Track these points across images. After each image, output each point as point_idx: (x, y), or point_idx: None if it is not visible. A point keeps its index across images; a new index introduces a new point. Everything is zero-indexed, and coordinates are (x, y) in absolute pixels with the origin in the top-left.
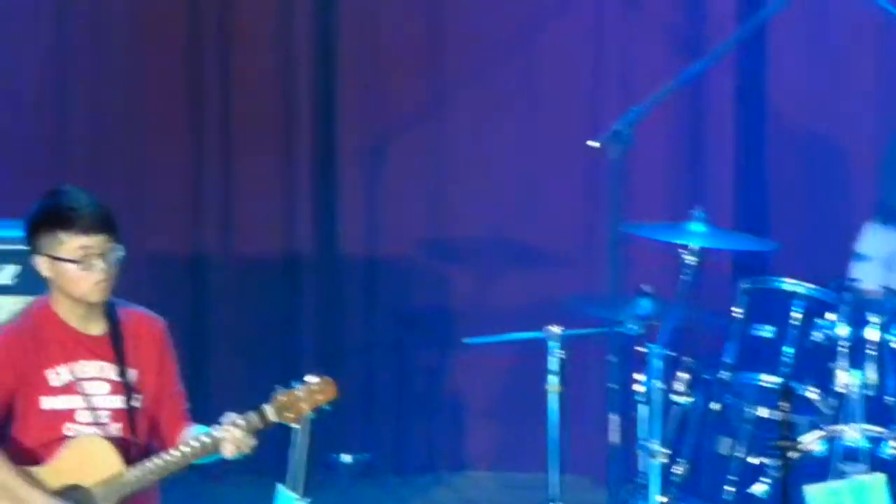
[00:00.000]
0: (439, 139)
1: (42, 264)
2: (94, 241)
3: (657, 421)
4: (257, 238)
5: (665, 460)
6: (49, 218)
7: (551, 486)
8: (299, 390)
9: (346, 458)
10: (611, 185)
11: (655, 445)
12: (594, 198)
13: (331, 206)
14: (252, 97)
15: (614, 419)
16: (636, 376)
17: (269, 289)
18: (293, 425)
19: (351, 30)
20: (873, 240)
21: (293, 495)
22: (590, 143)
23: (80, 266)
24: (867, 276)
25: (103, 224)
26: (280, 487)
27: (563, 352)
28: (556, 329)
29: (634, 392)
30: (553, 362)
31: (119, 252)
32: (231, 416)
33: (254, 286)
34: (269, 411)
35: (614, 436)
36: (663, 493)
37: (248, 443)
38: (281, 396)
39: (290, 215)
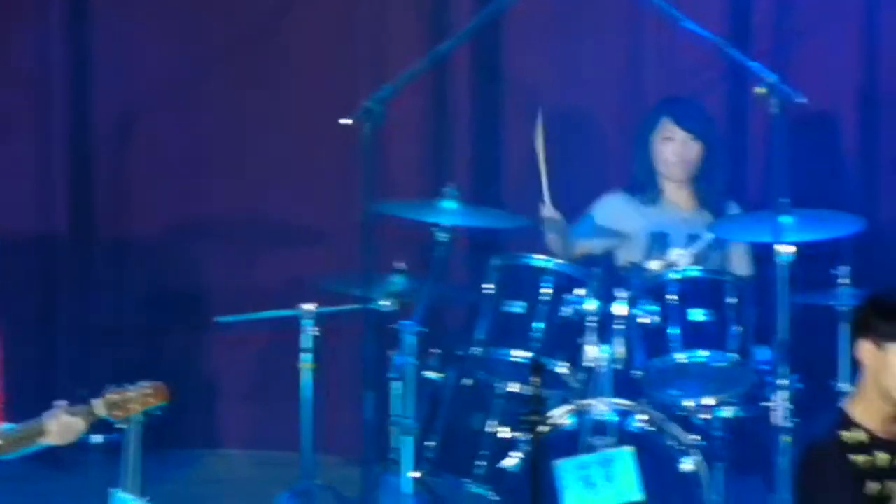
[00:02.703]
0: (192, 116)
1: None
2: None
3: (410, 397)
4: (11, 217)
5: (418, 436)
6: None
7: (304, 463)
8: (131, 390)
9: (97, 437)
10: (363, 163)
11: (408, 421)
12: (348, 176)
13: (86, 186)
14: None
15: (368, 396)
16: (390, 353)
17: (24, 269)
18: (120, 424)
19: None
20: (610, 210)
21: (129, 497)
22: (342, 120)
23: None
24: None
25: None
26: (115, 492)
27: (316, 329)
28: (309, 307)
29: (388, 369)
30: (306, 340)
31: None
32: (61, 405)
33: (7, 266)
34: (98, 406)
35: (368, 413)
36: (416, 469)
37: (76, 429)
38: (111, 394)
39: (46, 195)
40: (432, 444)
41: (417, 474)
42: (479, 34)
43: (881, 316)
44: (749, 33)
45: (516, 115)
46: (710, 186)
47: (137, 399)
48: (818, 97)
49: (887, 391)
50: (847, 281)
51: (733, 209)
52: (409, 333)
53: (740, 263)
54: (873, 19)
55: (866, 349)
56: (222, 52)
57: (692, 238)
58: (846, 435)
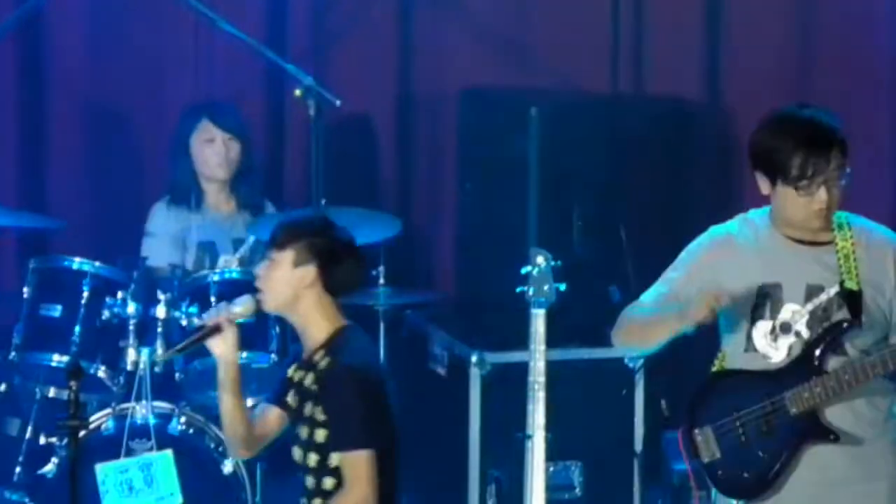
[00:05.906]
0: None
1: None
2: None
3: None
4: None
5: None
6: None
7: None
8: None
9: None
10: None
11: None
12: None
13: None
14: None
15: None
16: None
17: None
18: None
19: None
20: (161, 218)
21: None
22: None
23: None
24: (155, 254)
25: None
26: None
27: None
28: None
29: None
30: None
31: None
32: None
33: None
34: None
35: None
36: None
37: None
38: None
39: None
40: None
41: None
42: (21, 34)
43: None
44: (286, 36)
45: (62, 115)
46: (248, 188)
47: None
48: (355, 100)
49: None
50: (383, 281)
51: (270, 209)
52: None
53: None
54: (408, 22)
55: None
56: None
57: (237, 243)
58: None
